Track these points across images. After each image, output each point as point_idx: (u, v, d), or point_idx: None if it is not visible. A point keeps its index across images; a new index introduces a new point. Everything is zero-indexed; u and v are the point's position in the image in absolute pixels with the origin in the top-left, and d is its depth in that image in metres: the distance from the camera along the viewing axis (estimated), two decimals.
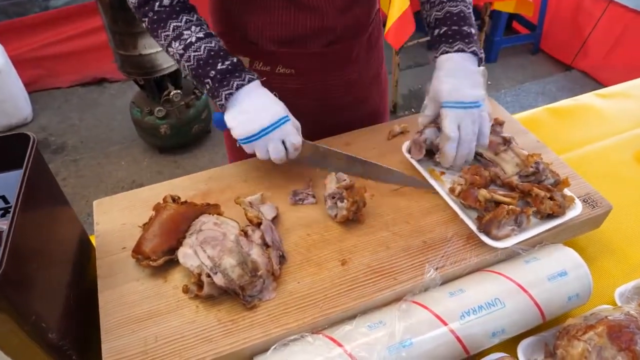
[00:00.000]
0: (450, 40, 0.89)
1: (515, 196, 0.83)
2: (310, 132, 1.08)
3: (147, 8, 0.87)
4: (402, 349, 0.68)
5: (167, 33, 0.87)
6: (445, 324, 0.71)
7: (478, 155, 0.94)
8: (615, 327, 0.69)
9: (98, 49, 3.42)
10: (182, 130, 2.81)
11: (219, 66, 0.85)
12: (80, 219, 0.91)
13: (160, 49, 2.41)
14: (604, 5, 3.23)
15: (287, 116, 0.87)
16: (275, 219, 0.88)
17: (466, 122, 0.86)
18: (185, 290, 0.76)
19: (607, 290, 0.87)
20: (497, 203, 0.82)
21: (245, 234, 0.81)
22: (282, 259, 0.81)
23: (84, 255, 0.87)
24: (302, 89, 1.08)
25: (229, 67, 0.86)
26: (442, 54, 0.90)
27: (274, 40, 1.01)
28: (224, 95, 0.85)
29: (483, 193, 0.83)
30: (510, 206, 0.80)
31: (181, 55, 0.87)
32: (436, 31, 0.92)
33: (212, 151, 2.98)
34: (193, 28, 0.87)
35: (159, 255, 0.79)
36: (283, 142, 0.87)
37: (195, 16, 0.89)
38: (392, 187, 0.95)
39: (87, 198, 2.62)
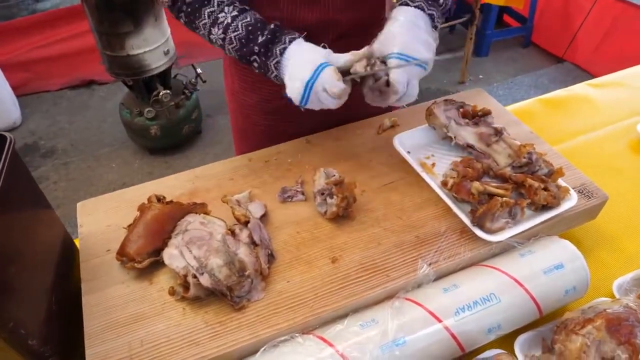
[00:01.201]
0: None
1: (509, 187, 0.82)
2: (318, 127, 1.05)
3: (179, 3, 0.86)
4: (396, 347, 0.66)
5: (204, 21, 0.86)
6: (440, 321, 0.69)
7: (469, 147, 0.92)
8: (614, 320, 0.68)
9: (86, 51, 3.37)
10: (172, 131, 2.77)
11: (260, 39, 0.83)
12: (71, 223, 0.89)
13: (148, 48, 2.39)
14: None
15: (324, 62, 0.81)
16: (263, 217, 0.85)
17: (414, 80, 0.83)
18: (172, 292, 0.74)
19: (605, 282, 0.85)
20: (491, 195, 0.81)
21: (233, 233, 0.78)
22: (271, 257, 0.79)
23: (68, 259, 0.85)
24: None
25: (268, 35, 0.84)
26: (401, 4, 0.88)
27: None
28: (272, 66, 0.84)
29: (476, 185, 0.81)
30: (504, 198, 0.78)
31: (223, 40, 0.85)
32: None
33: (203, 152, 2.94)
34: (226, 9, 0.85)
35: (144, 257, 0.77)
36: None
37: None
38: (383, 182, 0.93)
39: (77, 201, 2.57)
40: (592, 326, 0.68)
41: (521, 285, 0.74)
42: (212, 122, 3.17)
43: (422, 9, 0.86)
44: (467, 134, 0.93)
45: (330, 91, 0.80)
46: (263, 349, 0.68)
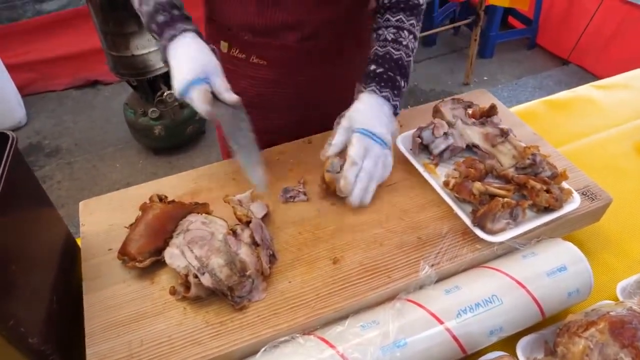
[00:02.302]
0: (382, 84, 0.89)
1: (511, 188, 0.81)
2: (290, 124, 1.05)
3: None
4: (397, 349, 0.66)
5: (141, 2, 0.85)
6: (441, 323, 0.69)
7: (474, 147, 0.92)
8: (618, 323, 0.67)
9: (92, 52, 3.38)
10: (176, 131, 2.78)
11: (160, 19, 0.83)
12: (74, 222, 0.89)
13: (152, 49, 2.39)
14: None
15: (196, 80, 0.80)
16: (265, 217, 0.85)
17: (372, 152, 0.84)
18: (172, 291, 0.74)
19: (609, 285, 0.85)
20: (492, 196, 0.80)
21: (234, 233, 0.78)
22: (273, 258, 0.79)
23: (70, 258, 0.85)
24: (277, 81, 1.05)
25: (167, 19, 0.83)
26: (369, 90, 0.89)
27: (247, 30, 0.99)
28: (161, 48, 0.84)
29: (477, 186, 0.80)
30: (506, 199, 0.78)
31: (138, 11, 0.86)
32: (373, 66, 0.91)
33: (207, 152, 2.95)
34: None
35: (145, 256, 0.77)
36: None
37: None
38: (386, 183, 0.92)
39: (81, 201, 2.58)
40: (595, 329, 0.67)
41: (523, 287, 0.73)
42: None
43: (388, 100, 0.88)
44: (473, 134, 0.93)
45: (198, 110, 0.81)
46: (264, 349, 0.68)
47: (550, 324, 0.76)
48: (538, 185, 0.81)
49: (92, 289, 0.77)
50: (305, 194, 0.90)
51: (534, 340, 0.74)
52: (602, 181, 0.91)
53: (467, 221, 0.81)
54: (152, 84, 2.60)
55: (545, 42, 3.77)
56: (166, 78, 2.62)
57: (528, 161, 0.86)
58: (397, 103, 0.90)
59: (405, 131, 1.00)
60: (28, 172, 0.77)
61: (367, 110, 0.88)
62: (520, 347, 0.73)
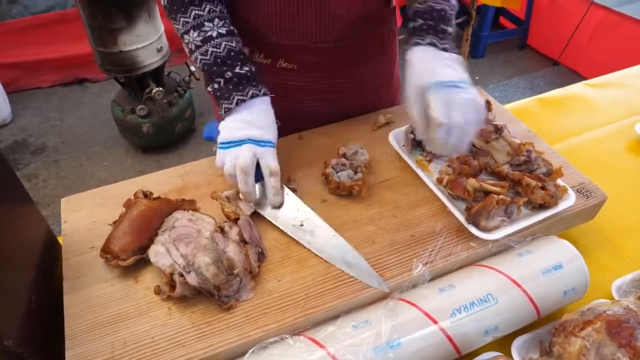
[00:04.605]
0: (424, 34, 0.84)
1: (506, 185, 0.79)
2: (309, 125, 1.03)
3: None
4: (390, 349, 0.64)
5: (187, 20, 0.82)
6: (435, 322, 0.67)
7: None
8: (615, 322, 0.65)
9: (79, 51, 3.32)
10: (165, 129, 2.74)
11: (237, 69, 0.80)
12: (60, 221, 0.86)
13: (140, 45, 2.35)
14: (588, 2, 3.22)
15: (273, 143, 0.82)
16: (254, 215, 0.83)
17: (457, 102, 0.76)
18: (157, 291, 0.71)
19: (604, 283, 0.83)
20: (487, 193, 0.78)
21: (222, 231, 0.76)
22: (261, 256, 0.76)
23: (50, 257, 0.82)
24: (306, 87, 1.01)
25: (248, 73, 0.81)
26: (413, 45, 0.85)
27: (277, 31, 0.94)
28: (235, 99, 0.80)
29: (471, 182, 0.79)
30: (501, 196, 0.76)
31: (197, 47, 0.81)
32: (412, 24, 0.87)
33: (197, 150, 2.91)
34: (216, 21, 0.82)
35: (129, 255, 0.74)
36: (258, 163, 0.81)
37: (219, 7, 0.84)
38: (378, 180, 0.90)
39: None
40: (592, 328, 0.66)
41: (519, 285, 0.71)
42: (205, 120, 3.14)
43: (435, 45, 0.83)
44: None
45: (266, 164, 0.80)
46: (252, 350, 0.65)
47: (546, 324, 0.74)
48: (533, 182, 0.79)
49: (73, 288, 0.74)
50: (295, 190, 0.88)
51: (529, 340, 0.73)
52: (596, 179, 0.90)
53: (461, 218, 0.79)
54: (140, 81, 2.56)
55: (536, 42, 3.78)
56: (154, 75, 2.59)
57: (523, 158, 0.85)
58: (447, 46, 0.84)
59: (398, 127, 0.98)
60: (6, 168, 0.74)
61: (423, 62, 0.82)
62: (516, 347, 0.71)
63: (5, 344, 0.60)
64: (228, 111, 0.81)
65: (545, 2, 3.57)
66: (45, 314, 0.73)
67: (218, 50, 0.81)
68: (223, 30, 0.82)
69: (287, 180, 0.90)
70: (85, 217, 0.86)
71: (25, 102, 3.35)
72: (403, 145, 0.94)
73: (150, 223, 0.77)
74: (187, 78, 2.73)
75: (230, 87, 0.80)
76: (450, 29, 0.86)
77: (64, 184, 2.72)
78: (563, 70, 3.55)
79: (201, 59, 0.82)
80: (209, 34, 0.81)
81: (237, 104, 0.80)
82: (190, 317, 0.69)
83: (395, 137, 0.94)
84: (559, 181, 0.84)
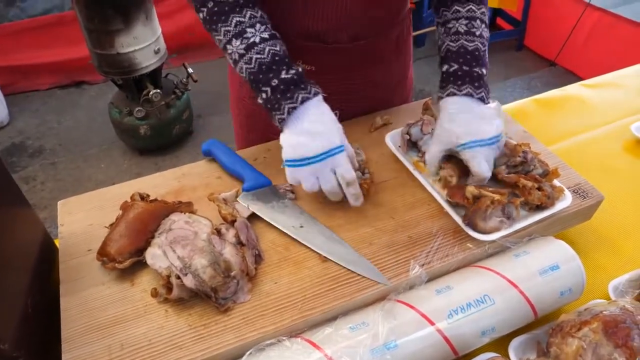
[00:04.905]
0: (459, 82, 0.83)
1: (505, 193, 0.79)
2: None
3: None
4: (387, 351, 0.64)
5: (228, 28, 0.79)
6: (432, 324, 0.67)
7: None
8: (611, 322, 0.66)
9: (77, 53, 3.32)
10: (162, 131, 2.74)
11: (283, 75, 0.77)
12: (57, 224, 0.86)
13: (138, 47, 2.35)
14: (585, 4, 3.23)
15: (342, 146, 0.77)
16: (251, 216, 0.83)
17: (491, 157, 0.81)
18: (154, 293, 0.71)
19: (601, 284, 0.83)
20: None
21: (219, 233, 0.76)
22: (258, 258, 0.76)
23: (47, 260, 0.81)
24: (323, 89, 1.01)
25: (294, 77, 0.77)
26: (448, 95, 0.84)
27: (297, 33, 0.93)
28: (286, 108, 0.76)
29: (471, 189, 0.79)
30: (496, 197, 0.76)
31: (241, 56, 0.78)
32: (445, 67, 0.86)
33: (194, 152, 2.91)
34: (258, 26, 0.79)
35: (126, 257, 0.74)
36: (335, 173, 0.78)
37: (260, 12, 0.81)
38: (376, 181, 0.90)
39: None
40: (589, 328, 0.66)
41: (516, 286, 0.71)
42: (203, 122, 3.14)
43: (471, 95, 0.82)
44: None
45: (341, 176, 0.77)
46: (249, 352, 0.65)
47: (543, 324, 0.74)
48: (529, 184, 0.79)
49: (70, 291, 0.74)
50: (293, 192, 0.88)
51: (527, 341, 0.73)
52: (592, 180, 0.90)
53: (458, 219, 0.79)
54: (137, 83, 2.56)
55: (532, 43, 3.79)
56: (152, 77, 2.58)
57: (519, 159, 0.85)
58: (483, 95, 0.83)
59: (395, 129, 0.98)
60: (1, 170, 0.73)
61: (459, 116, 0.81)
62: (513, 348, 0.71)
63: (1, 347, 0.60)
64: (282, 122, 0.77)
65: (541, 3, 3.58)
66: (42, 317, 0.73)
67: (262, 57, 0.78)
68: (266, 35, 0.79)
69: (286, 182, 0.90)
70: (82, 219, 0.86)
71: (22, 105, 3.35)
72: (399, 147, 0.94)
73: (147, 225, 0.77)
74: (184, 80, 2.73)
75: (279, 95, 0.77)
76: (485, 70, 0.86)
77: (61, 187, 2.71)
78: (560, 71, 3.56)
79: (246, 68, 0.79)
80: (251, 40, 0.78)
81: (289, 113, 0.76)
82: (187, 319, 0.69)
83: (392, 139, 0.95)
84: (556, 182, 0.84)
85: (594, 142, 1.17)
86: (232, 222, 0.78)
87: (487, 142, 0.79)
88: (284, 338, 0.66)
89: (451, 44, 0.87)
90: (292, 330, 0.68)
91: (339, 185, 0.79)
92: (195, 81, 2.74)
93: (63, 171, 2.82)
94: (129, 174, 2.78)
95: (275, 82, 0.77)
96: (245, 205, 0.83)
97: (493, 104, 0.84)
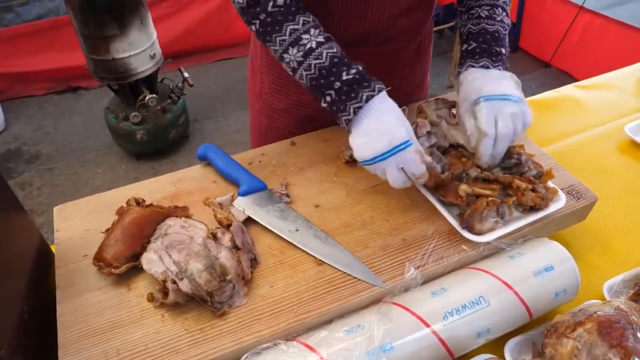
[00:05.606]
0: (477, 57, 0.84)
1: (496, 188, 0.80)
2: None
3: (258, 9, 0.78)
4: (382, 353, 0.64)
5: (283, 37, 0.77)
6: (428, 326, 0.67)
7: (459, 147, 0.90)
8: (605, 322, 0.66)
9: (72, 59, 3.32)
10: (159, 135, 2.74)
11: (344, 76, 0.76)
12: (54, 230, 0.86)
13: (133, 52, 2.35)
14: (577, 6, 3.25)
15: (408, 141, 0.75)
16: (247, 221, 0.83)
17: (504, 114, 0.77)
18: (150, 298, 0.71)
19: (595, 284, 0.84)
20: (478, 197, 0.79)
21: (214, 237, 0.76)
22: (254, 262, 0.77)
23: (43, 266, 0.82)
24: None
25: (356, 76, 0.76)
26: (466, 68, 0.85)
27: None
28: (352, 109, 0.75)
29: (463, 188, 0.79)
30: (490, 198, 0.77)
31: (299, 64, 0.77)
32: (465, 46, 0.87)
33: (191, 157, 2.91)
34: (312, 31, 0.77)
35: (122, 262, 0.74)
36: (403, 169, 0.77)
37: (311, 16, 0.79)
38: (370, 184, 0.91)
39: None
40: (583, 329, 0.66)
41: (511, 288, 0.72)
42: (200, 127, 3.14)
43: (487, 67, 0.83)
44: (458, 134, 0.91)
45: (411, 173, 0.76)
46: (245, 356, 0.65)
47: (538, 325, 0.75)
48: (523, 185, 0.80)
49: (66, 296, 0.74)
50: (288, 195, 0.88)
51: (522, 342, 0.73)
52: (587, 181, 0.90)
53: (452, 221, 0.80)
54: (133, 88, 2.56)
55: (527, 45, 3.81)
56: (148, 82, 2.59)
57: (513, 160, 0.85)
58: (500, 67, 0.83)
59: None
60: None
61: (474, 80, 0.82)
62: (508, 349, 0.72)
63: None
64: (349, 122, 0.77)
65: (535, 6, 3.60)
66: (38, 322, 0.73)
67: (321, 61, 0.76)
68: (321, 39, 0.77)
69: (280, 185, 0.90)
70: (78, 225, 0.86)
71: (18, 110, 3.35)
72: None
73: (143, 230, 0.77)
74: (180, 84, 2.73)
75: (343, 97, 0.76)
76: (504, 50, 0.86)
77: (58, 192, 2.71)
78: (555, 72, 3.57)
79: (306, 75, 0.78)
80: (308, 46, 0.76)
81: (354, 112, 0.76)
82: (183, 323, 0.69)
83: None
84: (550, 183, 0.85)
85: (589, 143, 1.18)
86: (228, 226, 0.78)
87: (499, 97, 0.78)
88: (280, 341, 0.67)
89: (472, 27, 0.88)
90: (288, 334, 0.68)
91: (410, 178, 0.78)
92: (191, 85, 2.74)
93: (59, 177, 2.82)
94: (126, 179, 2.78)
95: (337, 84, 0.76)
96: (241, 210, 0.83)
97: (508, 74, 0.84)
